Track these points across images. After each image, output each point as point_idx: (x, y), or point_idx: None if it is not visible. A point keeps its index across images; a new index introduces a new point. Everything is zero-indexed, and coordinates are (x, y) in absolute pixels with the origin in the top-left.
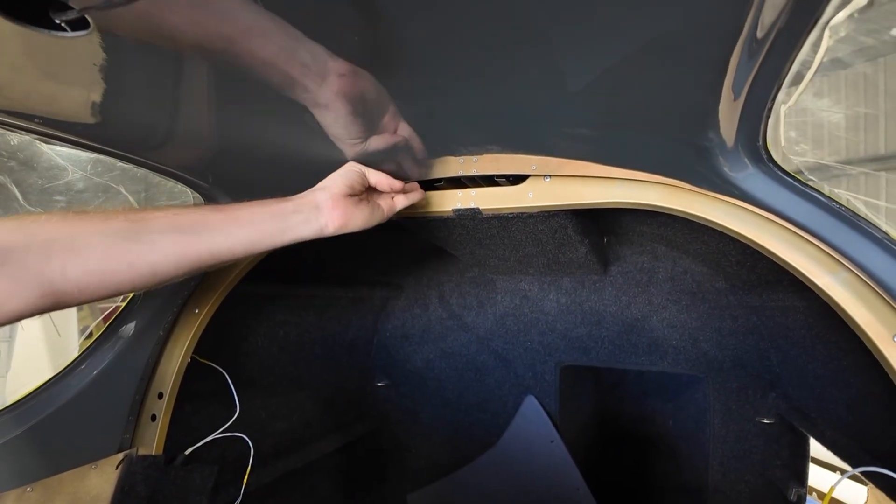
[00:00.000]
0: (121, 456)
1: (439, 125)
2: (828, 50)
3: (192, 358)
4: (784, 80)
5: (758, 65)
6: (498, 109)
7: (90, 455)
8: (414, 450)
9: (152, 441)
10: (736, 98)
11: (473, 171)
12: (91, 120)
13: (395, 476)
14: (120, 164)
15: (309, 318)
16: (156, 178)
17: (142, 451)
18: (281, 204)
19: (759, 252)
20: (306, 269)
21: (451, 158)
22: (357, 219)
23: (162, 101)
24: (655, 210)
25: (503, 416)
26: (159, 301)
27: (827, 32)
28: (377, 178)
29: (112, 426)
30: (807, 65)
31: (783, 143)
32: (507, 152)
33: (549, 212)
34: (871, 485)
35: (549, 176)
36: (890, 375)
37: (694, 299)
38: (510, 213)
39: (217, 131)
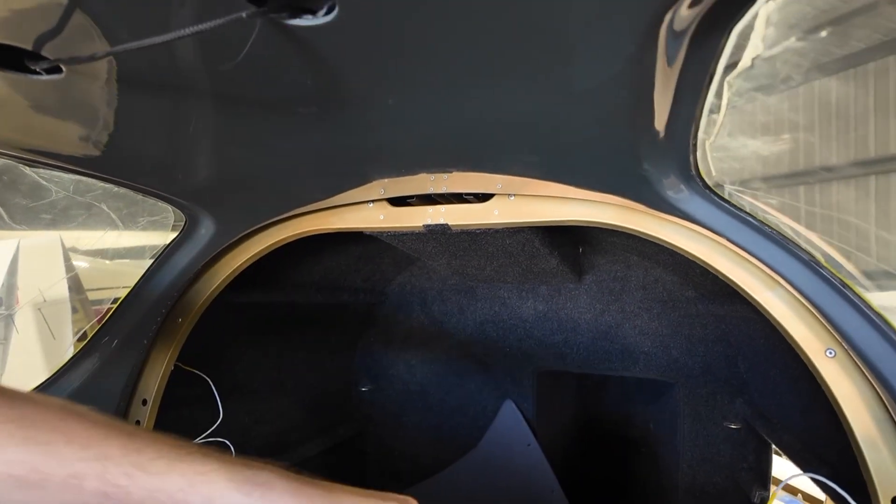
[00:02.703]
0: None
1: (412, 147)
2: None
3: (175, 365)
4: (699, 121)
5: (671, 109)
6: (466, 133)
7: None
8: (397, 453)
9: None
10: (663, 136)
11: (443, 189)
12: (72, 149)
13: (378, 479)
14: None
15: (292, 324)
16: (138, 196)
17: None
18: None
19: None
20: (289, 277)
21: (424, 176)
22: None
23: (142, 130)
24: (611, 228)
25: (483, 420)
26: (142, 311)
27: (726, 85)
28: None
29: None
30: (716, 108)
31: (714, 174)
32: (474, 171)
33: (514, 228)
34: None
35: (514, 195)
36: (823, 388)
37: (665, 307)
38: (477, 230)
39: (199, 155)
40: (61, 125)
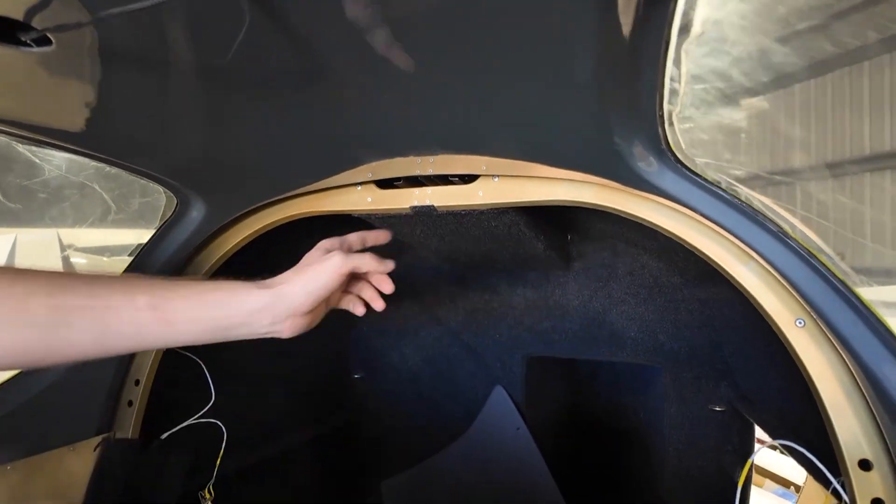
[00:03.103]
0: (98, 439)
1: (399, 130)
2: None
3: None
4: (663, 91)
5: (635, 81)
6: (452, 117)
7: (69, 438)
8: (390, 440)
9: (129, 426)
10: (632, 110)
11: (430, 171)
12: (64, 126)
13: (371, 465)
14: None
15: None
16: (130, 176)
17: (119, 436)
18: (230, 312)
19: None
20: (280, 262)
21: (410, 159)
22: (318, 320)
23: (134, 109)
24: (593, 208)
25: (474, 407)
26: None
27: (683, 54)
28: (359, 263)
29: (90, 411)
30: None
31: (684, 146)
32: (460, 153)
33: (499, 209)
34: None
35: (498, 176)
36: (793, 357)
37: (651, 293)
38: (462, 210)
39: (190, 137)
40: (53, 101)
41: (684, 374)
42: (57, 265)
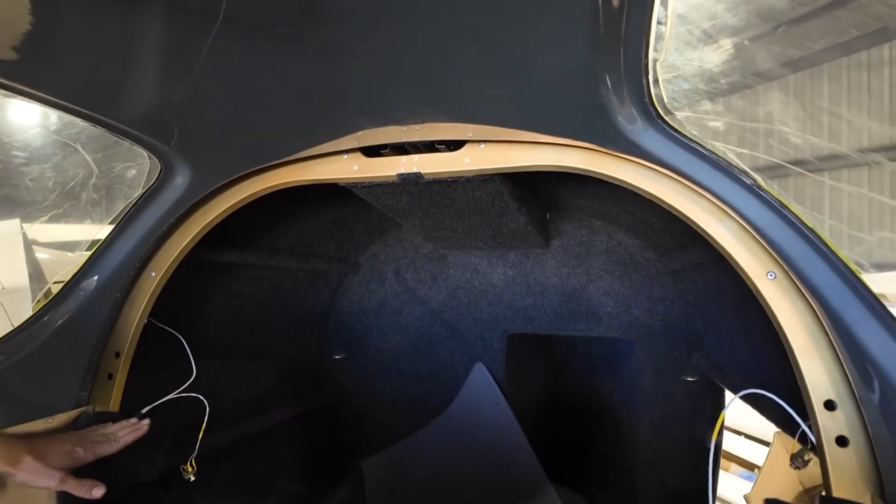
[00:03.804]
0: (77, 412)
1: (387, 97)
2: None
3: (148, 320)
4: (650, 35)
5: (623, 22)
6: (436, 81)
7: (46, 410)
8: (371, 419)
9: (108, 399)
10: (616, 55)
11: (416, 138)
12: (50, 79)
13: (352, 444)
14: (80, 121)
15: (265, 289)
16: (114, 138)
17: (98, 409)
18: None
19: (675, 216)
20: (263, 239)
21: (397, 127)
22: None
23: (120, 53)
24: (575, 172)
25: (455, 384)
26: (116, 262)
27: None
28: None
29: (69, 383)
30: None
31: (666, 100)
32: (446, 121)
33: (484, 176)
34: (777, 432)
35: (484, 142)
36: (765, 309)
37: (627, 269)
38: (449, 178)
39: (182, 85)
40: (37, 52)
41: (658, 347)
42: (20, 259)
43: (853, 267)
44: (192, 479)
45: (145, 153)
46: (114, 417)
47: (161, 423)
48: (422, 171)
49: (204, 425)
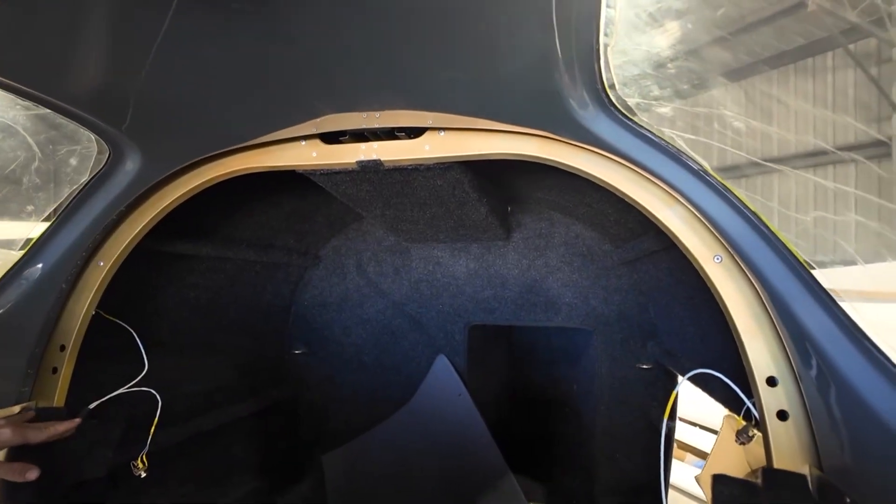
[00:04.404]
0: (17, 408)
1: (346, 84)
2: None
3: (96, 312)
4: (600, 18)
5: (575, 4)
6: (395, 66)
7: None
8: (331, 414)
9: (53, 394)
10: (568, 38)
11: (376, 125)
12: None
13: (312, 440)
14: (22, 101)
15: (221, 281)
16: (59, 120)
17: (42, 405)
18: None
19: (630, 207)
20: (218, 230)
21: (356, 114)
22: None
23: (65, 26)
24: (532, 160)
25: (417, 377)
26: (62, 250)
27: None
28: None
29: (9, 378)
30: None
31: (618, 87)
32: (406, 108)
33: (445, 164)
34: (726, 413)
35: (444, 129)
36: (713, 292)
37: (585, 261)
38: (409, 165)
39: (132, 63)
40: None
41: (614, 336)
42: None
43: (793, 249)
44: (144, 475)
45: (92, 136)
46: (58, 413)
47: (110, 419)
48: (382, 159)
49: (156, 420)
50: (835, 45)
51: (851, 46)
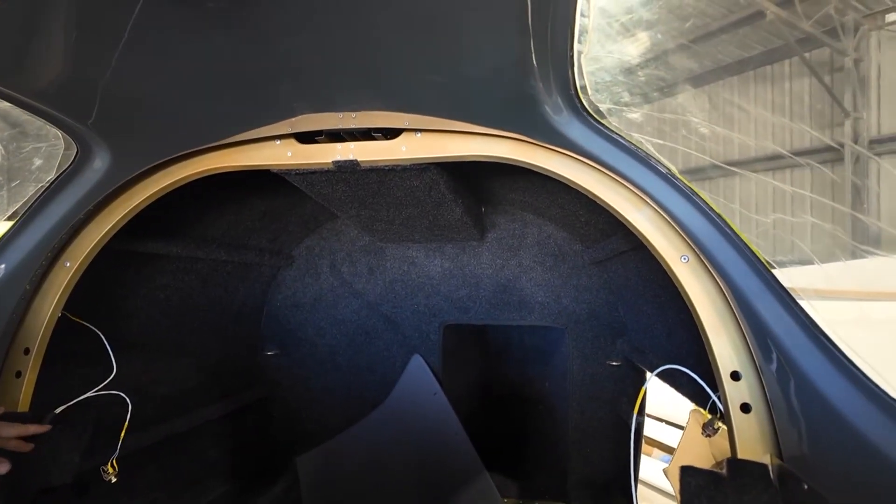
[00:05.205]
0: None
1: (321, 81)
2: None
3: (62, 314)
4: (574, 26)
5: (551, 12)
6: (372, 68)
7: None
8: (305, 415)
9: (17, 398)
10: (543, 45)
11: (352, 126)
12: None
13: (286, 441)
14: None
15: (192, 282)
16: (24, 116)
17: (5, 409)
18: None
19: (600, 208)
20: (190, 229)
21: (332, 114)
22: None
23: (30, 18)
24: (506, 162)
25: (392, 377)
26: (26, 250)
27: None
28: None
29: None
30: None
31: (590, 92)
32: (383, 109)
33: (421, 165)
34: (692, 408)
35: (420, 131)
36: (680, 291)
37: (556, 261)
38: (386, 166)
39: (101, 57)
40: None
41: (585, 334)
42: None
43: (755, 249)
44: (114, 480)
45: (59, 133)
46: (23, 418)
47: (77, 423)
48: (358, 159)
49: (126, 424)
50: (791, 54)
51: (807, 55)
